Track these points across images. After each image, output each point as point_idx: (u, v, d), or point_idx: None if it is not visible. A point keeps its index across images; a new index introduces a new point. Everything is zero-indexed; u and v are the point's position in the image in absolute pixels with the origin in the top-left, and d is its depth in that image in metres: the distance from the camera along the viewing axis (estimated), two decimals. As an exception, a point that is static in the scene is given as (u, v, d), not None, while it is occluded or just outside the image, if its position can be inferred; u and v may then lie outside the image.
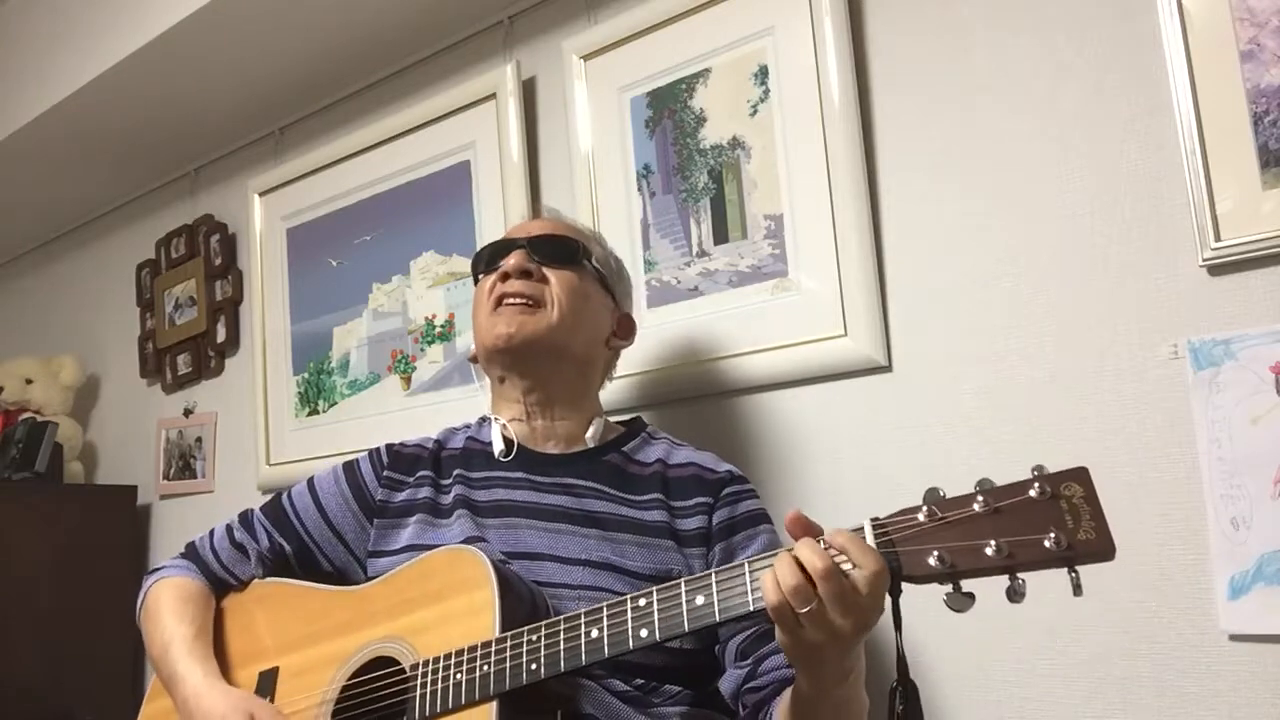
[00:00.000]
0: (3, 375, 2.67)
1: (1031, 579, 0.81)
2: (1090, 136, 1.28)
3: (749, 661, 1.12)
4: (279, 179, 2.28)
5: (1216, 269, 1.18)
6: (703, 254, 1.60)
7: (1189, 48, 1.19)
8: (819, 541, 0.86)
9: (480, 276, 1.34)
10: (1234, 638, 1.14)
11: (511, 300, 1.26)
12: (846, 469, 1.45)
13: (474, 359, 1.36)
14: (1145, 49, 1.24)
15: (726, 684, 1.14)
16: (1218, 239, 1.16)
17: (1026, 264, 1.32)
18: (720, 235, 1.59)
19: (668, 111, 1.67)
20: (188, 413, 2.48)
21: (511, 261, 1.28)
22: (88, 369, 2.78)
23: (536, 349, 1.25)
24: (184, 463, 2.47)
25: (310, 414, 2.19)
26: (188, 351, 2.49)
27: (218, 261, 2.44)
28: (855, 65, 1.46)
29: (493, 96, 1.89)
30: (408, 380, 2.02)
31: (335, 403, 2.15)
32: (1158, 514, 1.19)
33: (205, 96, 2.24)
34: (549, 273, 1.28)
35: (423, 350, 2.00)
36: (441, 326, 1.97)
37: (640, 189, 1.69)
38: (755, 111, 1.56)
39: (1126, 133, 1.25)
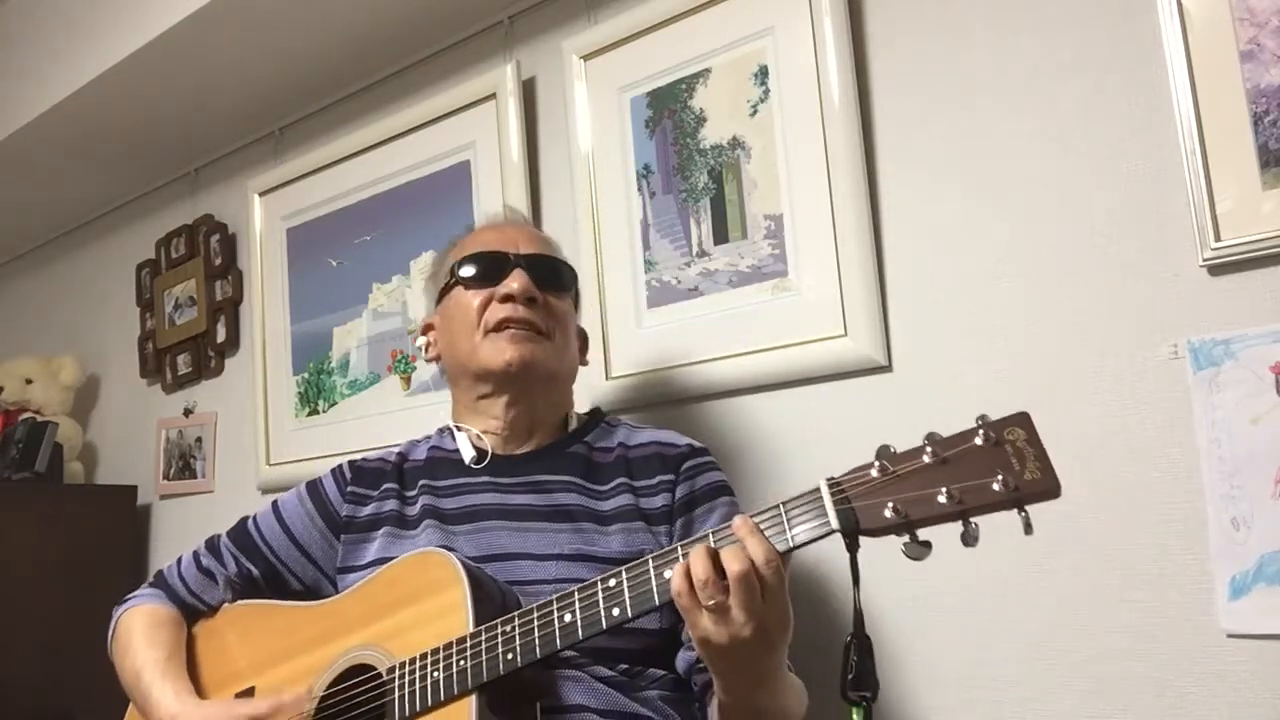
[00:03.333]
0: (3, 375, 2.67)
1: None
2: (1090, 136, 1.28)
3: None
4: (279, 179, 2.28)
5: (1216, 269, 1.18)
6: (703, 254, 1.60)
7: (1189, 48, 1.19)
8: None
9: (465, 285, 1.28)
10: (1234, 638, 1.14)
11: (518, 327, 1.25)
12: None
13: (437, 359, 1.35)
14: (1145, 49, 1.24)
15: (680, 663, 1.16)
16: (1218, 239, 1.16)
17: (1026, 264, 1.32)
18: (720, 235, 1.59)
19: (668, 111, 1.67)
20: (188, 413, 2.48)
21: (516, 286, 1.25)
22: (88, 369, 2.78)
23: (535, 375, 1.26)
24: (184, 463, 2.47)
25: (310, 414, 2.19)
26: (188, 351, 2.49)
27: (218, 261, 2.44)
28: (855, 65, 1.46)
29: (493, 96, 1.89)
30: (407, 380, 2.02)
31: (335, 403, 2.14)
32: (1158, 514, 1.19)
33: (205, 96, 2.24)
34: (548, 299, 1.28)
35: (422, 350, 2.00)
36: (441, 326, 1.97)
37: (640, 189, 1.69)
38: (755, 111, 1.56)
39: (1126, 133, 1.25)
